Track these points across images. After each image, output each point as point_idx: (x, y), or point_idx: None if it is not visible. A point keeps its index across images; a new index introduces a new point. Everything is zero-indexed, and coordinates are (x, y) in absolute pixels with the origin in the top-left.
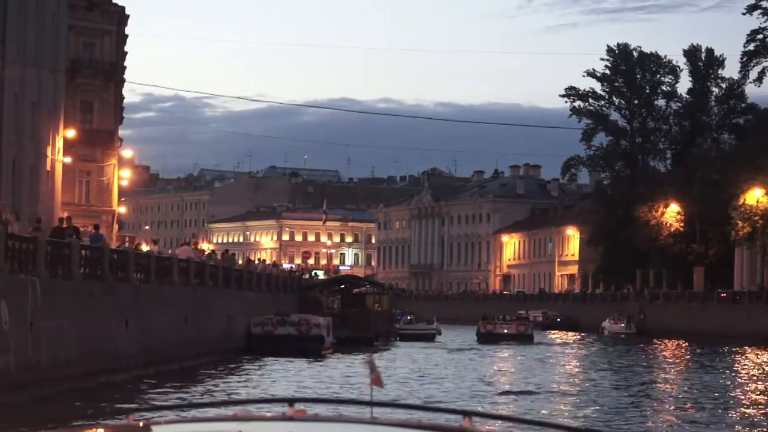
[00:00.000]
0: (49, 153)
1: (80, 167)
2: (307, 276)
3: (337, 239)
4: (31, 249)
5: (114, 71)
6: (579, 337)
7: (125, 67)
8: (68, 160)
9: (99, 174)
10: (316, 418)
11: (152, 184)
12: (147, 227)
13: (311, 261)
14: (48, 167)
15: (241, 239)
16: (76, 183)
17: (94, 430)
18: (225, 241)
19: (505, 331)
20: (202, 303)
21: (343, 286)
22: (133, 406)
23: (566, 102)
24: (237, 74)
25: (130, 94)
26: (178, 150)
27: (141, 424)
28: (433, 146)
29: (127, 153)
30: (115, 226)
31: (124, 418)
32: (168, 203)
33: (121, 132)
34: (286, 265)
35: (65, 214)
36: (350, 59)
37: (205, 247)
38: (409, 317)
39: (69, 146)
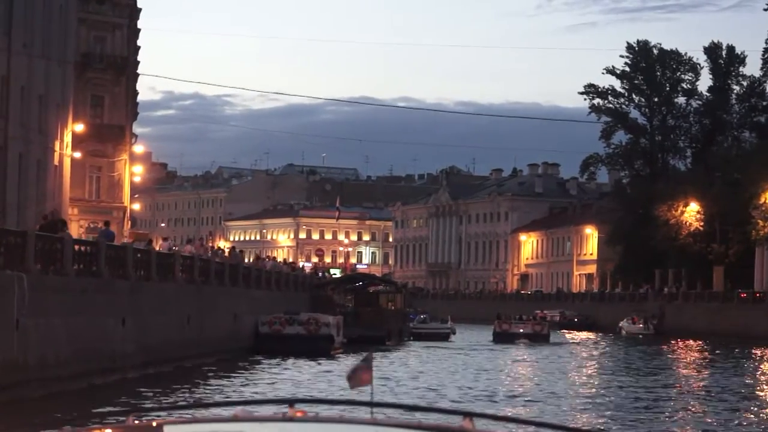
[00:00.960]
0: (57, 148)
1: (90, 162)
2: (322, 274)
3: (354, 237)
4: (20, 243)
5: (125, 65)
6: (596, 337)
7: (138, 62)
8: (78, 155)
9: (110, 169)
10: (317, 419)
11: (169, 181)
12: (163, 225)
13: (328, 259)
14: (56, 162)
15: (258, 237)
16: (86, 179)
17: (93, 430)
18: (242, 239)
19: (521, 330)
20: (206, 301)
21: (355, 285)
22: (120, 408)
23: (585, 99)
24: (256, 72)
25: (150, 91)
26: (198, 148)
27: (141, 424)
28: (452, 144)
29: (138, 148)
30: (128, 223)
31: (123, 419)
32: (185, 201)
33: (139, 130)
34: (303, 264)
35: (63, 209)
36: (370, 58)
37: (222, 245)
38: (422, 316)
39: (79, 141)
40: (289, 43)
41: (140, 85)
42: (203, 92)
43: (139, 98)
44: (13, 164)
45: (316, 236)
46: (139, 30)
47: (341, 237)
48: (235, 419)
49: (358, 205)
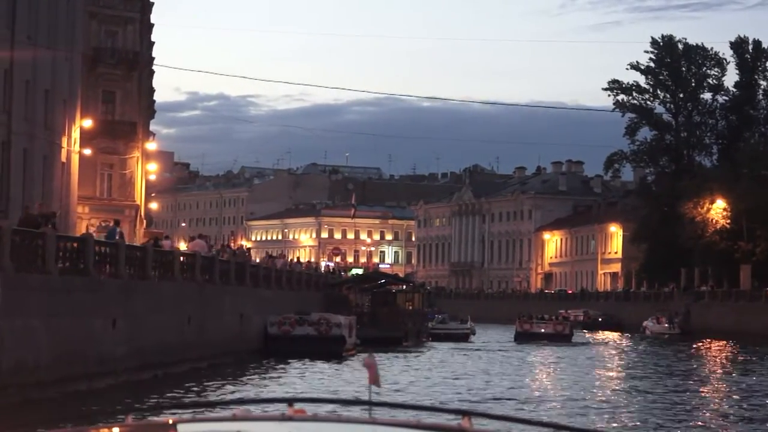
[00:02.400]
0: (64, 144)
1: (102, 160)
2: (338, 273)
3: (376, 237)
4: None
5: (137, 60)
6: (620, 337)
7: (153, 58)
8: (88, 152)
9: (121, 167)
10: (316, 418)
11: (191, 181)
12: (184, 224)
13: (350, 258)
14: (63, 159)
15: (280, 237)
16: (97, 176)
17: (92, 429)
18: (264, 238)
19: (542, 330)
20: (209, 301)
21: (372, 284)
22: (105, 412)
23: (609, 96)
24: (282, 73)
25: (175, 92)
26: (222, 148)
27: (140, 424)
28: (476, 143)
29: (151, 146)
30: (143, 222)
31: (122, 418)
32: (206, 200)
33: (165, 131)
34: (326, 263)
35: (71, 207)
36: (396, 58)
37: (244, 244)
38: (441, 316)
39: (90, 138)
40: (316, 43)
41: (165, 86)
42: (228, 93)
43: (164, 99)
44: (17, 160)
45: (338, 236)
46: (152, 25)
47: (363, 236)
48: (234, 418)
49: (381, 204)
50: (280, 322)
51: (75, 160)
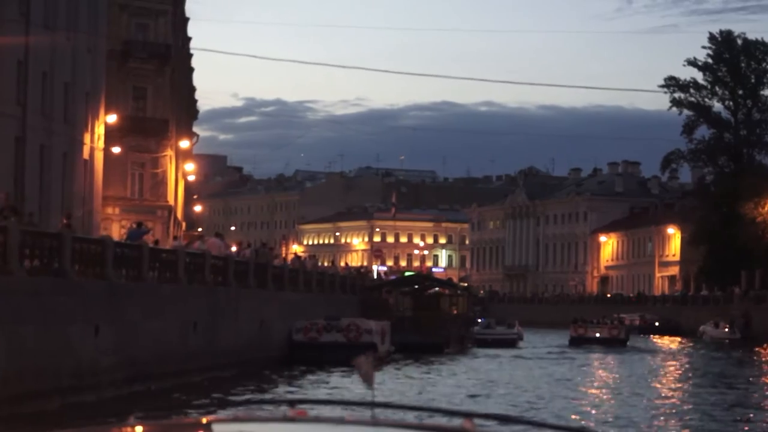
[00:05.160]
0: (87, 140)
1: (132, 159)
2: (378, 277)
3: (430, 240)
4: None
5: (169, 54)
6: (677, 342)
7: (191, 54)
8: (117, 150)
9: (153, 166)
10: (317, 420)
11: (243, 184)
12: (233, 228)
13: (403, 262)
14: (86, 156)
15: (332, 241)
16: (128, 176)
17: (124, 428)
18: (316, 242)
19: (597, 335)
20: (222, 305)
21: (414, 287)
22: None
23: (666, 93)
24: (338, 78)
25: (232, 98)
26: (279, 153)
27: (140, 425)
28: (531, 145)
29: (184, 143)
30: (183, 224)
31: (124, 419)
32: (258, 204)
33: (222, 137)
34: (378, 267)
35: (96, 207)
36: (452, 62)
37: (296, 249)
38: (487, 321)
39: (120, 135)
40: (373, 48)
41: (222, 92)
42: (285, 98)
43: (222, 105)
44: (33, 157)
45: (390, 239)
46: (186, 18)
47: (417, 240)
48: (235, 419)
49: (435, 207)
50: (306, 328)
51: (99, 157)
